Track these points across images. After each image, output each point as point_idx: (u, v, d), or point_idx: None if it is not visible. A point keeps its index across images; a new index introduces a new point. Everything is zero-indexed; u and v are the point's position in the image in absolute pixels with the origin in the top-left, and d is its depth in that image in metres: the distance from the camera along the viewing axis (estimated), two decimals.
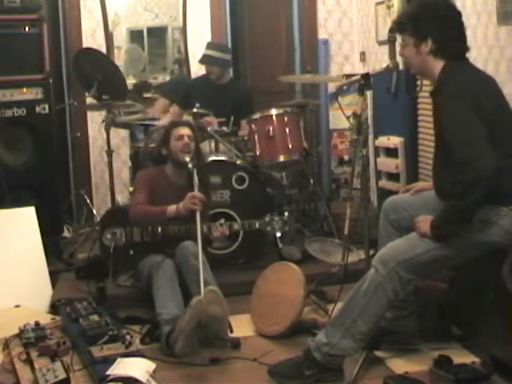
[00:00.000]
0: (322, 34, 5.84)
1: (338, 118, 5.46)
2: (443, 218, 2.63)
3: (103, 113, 4.95)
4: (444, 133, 2.63)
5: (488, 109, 2.58)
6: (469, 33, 2.75)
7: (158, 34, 5.82)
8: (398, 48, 4.32)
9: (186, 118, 4.52)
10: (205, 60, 4.84)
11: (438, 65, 2.71)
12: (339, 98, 4.52)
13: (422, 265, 2.65)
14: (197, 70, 5.47)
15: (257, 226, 3.65)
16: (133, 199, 3.67)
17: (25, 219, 3.95)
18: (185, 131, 3.68)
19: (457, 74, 2.66)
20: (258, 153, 4.27)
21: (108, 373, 2.59)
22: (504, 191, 2.58)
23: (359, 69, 5.67)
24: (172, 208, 3.46)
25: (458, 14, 2.75)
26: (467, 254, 2.68)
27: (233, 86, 4.87)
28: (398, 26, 2.83)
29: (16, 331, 3.10)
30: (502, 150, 2.54)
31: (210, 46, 4.93)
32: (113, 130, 4.86)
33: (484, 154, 2.48)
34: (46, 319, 3.31)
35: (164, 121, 4.66)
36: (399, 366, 2.88)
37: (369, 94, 4.64)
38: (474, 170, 2.47)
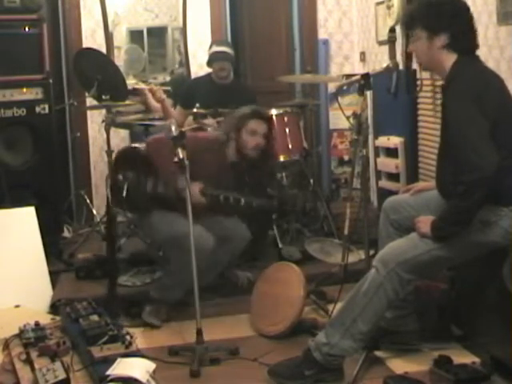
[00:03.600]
0: (322, 34, 5.84)
1: (338, 118, 5.46)
2: (444, 218, 2.63)
3: (103, 113, 4.95)
4: (448, 131, 2.63)
5: (492, 108, 2.57)
6: None
7: (157, 34, 5.82)
8: (397, 48, 4.33)
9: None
10: (219, 57, 4.64)
11: (449, 59, 2.69)
12: (339, 98, 4.51)
13: (423, 265, 2.65)
14: (197, 69, 5.47)
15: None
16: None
17: (25, 219, 3.95)
18: (260, 127, 3.55)
19: (465, 70, 2.65)
20: None
21: (108, 373, 2.58)
22: (504, 192, 2.58)
23: (359, 69, 5.66)
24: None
25: (468, 9, 2.75)
26: (467, 255, 2.68)
27: (236, 87, 4.82)
28: (409, 21, 2.79)
29: (16, 331, 3.10)
30: (504, 150, 2.54)
31: (219, 43, 4.85)
32: (113, 130, 4.85)
33: (486, 155, 2.48)
34: (46, 319, 3.31)
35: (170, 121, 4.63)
36: (399, 366, 2.88)
37: (369, 93, 4.64)
38: (476, 170, 2.47)
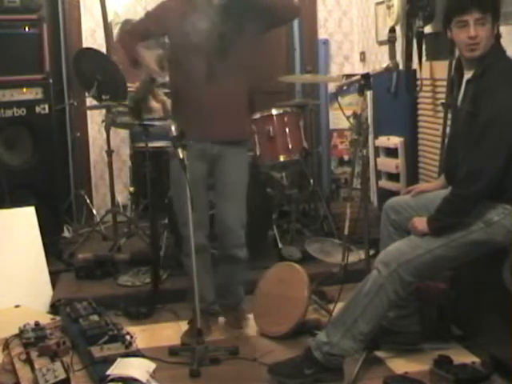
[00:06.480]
0: (321, 34, 5.83)
1: (338, 118, 5.46)
2: (440, 209, 2.65)
3: (103, 113, 4.95)
4: (486, 113, 2.57)
5: None
6: None
7: None
8: (397, 48, 4.32)
9: None
10: None
11: (491, 49, 2.67)
12: (339, 98, 4.52)
13: (424, 266, 2.65)
14: None
15: None
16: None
17: (25, 219, 3.95)
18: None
19: (506, 58, 2.70)
20: (258, 153, 4.27)
21: (108, 373, 2.59)
22: (509, 187, 2.59)
23: (359, 69, 5.66)
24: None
25: None
26: (469, 255, 2.68)
27: None
28: (483, 3, 2.68)
29: (16, 331, 3.10)
30: None
31: None
32: (113, 130, 4.86)
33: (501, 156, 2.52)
34: (45, 319, 3.31)
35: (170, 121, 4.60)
36: (399, 365, 2.88)
37: (369, 94, 4.63)
38: (486, 158, 2.51)
